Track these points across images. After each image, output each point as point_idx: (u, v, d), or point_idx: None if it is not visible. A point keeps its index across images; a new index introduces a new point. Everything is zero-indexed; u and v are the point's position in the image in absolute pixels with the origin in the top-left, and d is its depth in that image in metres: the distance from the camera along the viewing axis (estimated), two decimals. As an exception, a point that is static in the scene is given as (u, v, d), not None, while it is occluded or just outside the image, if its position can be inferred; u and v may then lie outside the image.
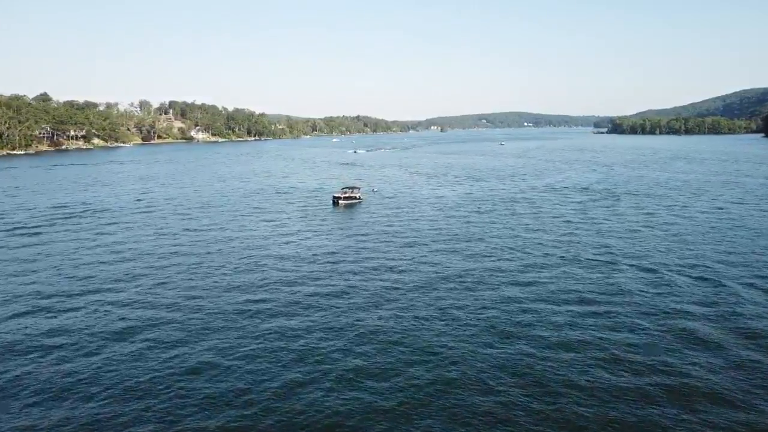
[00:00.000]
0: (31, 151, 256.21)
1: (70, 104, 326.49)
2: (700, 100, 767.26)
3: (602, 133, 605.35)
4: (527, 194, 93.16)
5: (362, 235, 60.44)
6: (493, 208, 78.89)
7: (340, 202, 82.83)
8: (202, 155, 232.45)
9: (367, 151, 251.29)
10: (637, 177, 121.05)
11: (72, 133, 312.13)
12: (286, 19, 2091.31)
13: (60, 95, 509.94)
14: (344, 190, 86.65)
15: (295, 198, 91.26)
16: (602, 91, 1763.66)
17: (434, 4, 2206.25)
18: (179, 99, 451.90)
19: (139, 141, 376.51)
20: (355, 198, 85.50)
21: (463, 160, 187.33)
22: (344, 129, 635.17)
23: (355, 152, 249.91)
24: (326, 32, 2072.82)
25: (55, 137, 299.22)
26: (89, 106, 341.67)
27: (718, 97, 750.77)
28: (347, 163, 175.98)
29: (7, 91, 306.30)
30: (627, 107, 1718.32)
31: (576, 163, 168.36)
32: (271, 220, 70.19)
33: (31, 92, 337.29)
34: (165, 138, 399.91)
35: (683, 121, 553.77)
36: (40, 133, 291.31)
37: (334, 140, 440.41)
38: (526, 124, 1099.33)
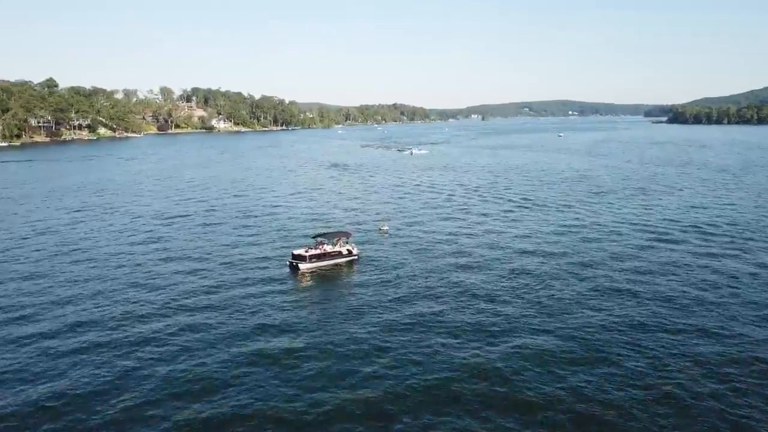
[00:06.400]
0: (16, 144, 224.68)
1: (75, 91, 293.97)
2: (760, 88, 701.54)
3: (661, 122, 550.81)
4: (706, 251, 48.32)
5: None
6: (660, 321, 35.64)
7: (302, 267, 41.77)
8: (204, 150, 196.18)
9: (379, 146, 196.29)
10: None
11: (76, 122, 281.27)
12: (325, 7, 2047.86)
13: (87, 82, 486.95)
14: (318, 240, 45.03)
15: (244, 249, 50.18)
16: (650, 78, 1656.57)
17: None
18: (204, 86, 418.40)
19: (155, 131, 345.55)
20: (338, 254, 44.14)
21: (522, 160, 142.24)
22: (379, 117, 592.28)
23: (411, 153, 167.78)
24: (365, 20, 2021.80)
25: (55, 127, 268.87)
26: (97, 92, 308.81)
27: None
28: (356, 166, 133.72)
29: (35, 79, 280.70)
30: (677, 95, 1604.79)
31: (687, 165, 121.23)
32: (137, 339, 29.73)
33: (61, 81, 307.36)
34: (184, 127, 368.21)
35: (755, 109, 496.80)
36: (38, 123, 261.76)
37: (339, 131, 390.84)
38: (570, 113, 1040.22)
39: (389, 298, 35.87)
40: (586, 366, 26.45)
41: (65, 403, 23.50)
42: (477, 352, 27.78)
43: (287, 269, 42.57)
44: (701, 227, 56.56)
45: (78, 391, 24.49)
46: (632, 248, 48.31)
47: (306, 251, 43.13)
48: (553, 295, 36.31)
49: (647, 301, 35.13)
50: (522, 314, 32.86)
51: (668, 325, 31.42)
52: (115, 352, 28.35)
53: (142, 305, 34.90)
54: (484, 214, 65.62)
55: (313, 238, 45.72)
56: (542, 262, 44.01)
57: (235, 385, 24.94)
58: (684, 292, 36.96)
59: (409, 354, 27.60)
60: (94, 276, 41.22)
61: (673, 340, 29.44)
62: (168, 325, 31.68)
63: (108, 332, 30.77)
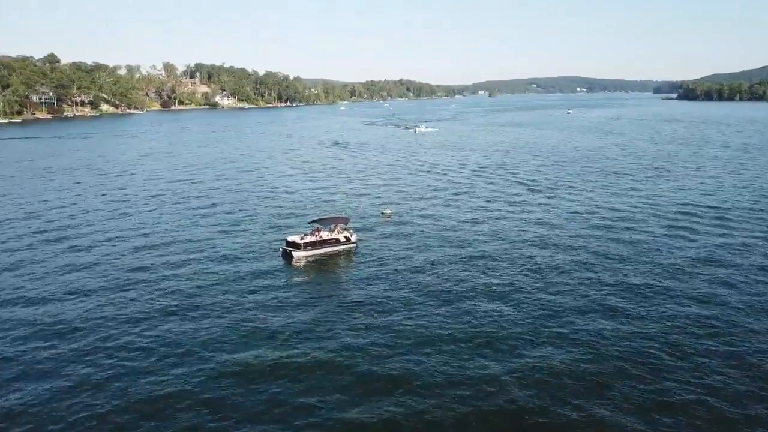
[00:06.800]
0: (17, 120, 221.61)
1: (77, 66, 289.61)
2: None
3: (671, 99, 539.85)
4: None
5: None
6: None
7: (295, 255, 38.94)
8: (205, 127, 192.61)
9: (384, 124, 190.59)
10: None
11: (78, 98, 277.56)
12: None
13: (88, 58, 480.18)
14: (314, 225, 42.13)
15: (236, 236, 47.27)
16: (659, 54, 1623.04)
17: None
18: (208, 62, 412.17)
19: (158, 107, 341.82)
20: (335, 241, 41.30)
21: (531, 138, 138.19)
22: (385, 94, 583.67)
23: (416, 132, 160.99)
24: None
25: (57, 104, 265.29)
26: (99, 68, 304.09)
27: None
28: (359, 145, 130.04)
29: (36, 54, 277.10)
30: (687, 71, 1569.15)
31: (703, 144, 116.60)
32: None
33: (64, 56, 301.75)
34: (187, 104, 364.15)
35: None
36: (40, 99, 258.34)
37: (342, 108, 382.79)
38: (578, 89, 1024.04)
39: (389, 295, 32.89)
40: (613, 380, 23.48)
41: (13, 423, 20.74)
42: (484, 363, 24.76)
43: (280, 258, 39.73)
44: (724, 212, 53.09)
45: (26, 405, 21.69)
46: (651, 236, 45.00)
47: (301, 238, 40.28)
48: (568, 292, 33.18)
49: (671, 300, 32.02)
50: (534, 317, 29.80)
51: (700, 328, 28.39)
52: (75, 357, 25.45)
53: (114, 302, 31.94)
54: (491, 199, 62.19)
55: (309, 223, 42.81)
56: (555, 253, 40.83)
57: (213, 399, 22.16)
58: (712, 288, 33.78)
59: (409, 364, 24.66)
60: (69, 266, 38.36)
61: (710, 346, 26.40)
62: (139, 325, 28.76)
63: (69, 334, 27.83)
